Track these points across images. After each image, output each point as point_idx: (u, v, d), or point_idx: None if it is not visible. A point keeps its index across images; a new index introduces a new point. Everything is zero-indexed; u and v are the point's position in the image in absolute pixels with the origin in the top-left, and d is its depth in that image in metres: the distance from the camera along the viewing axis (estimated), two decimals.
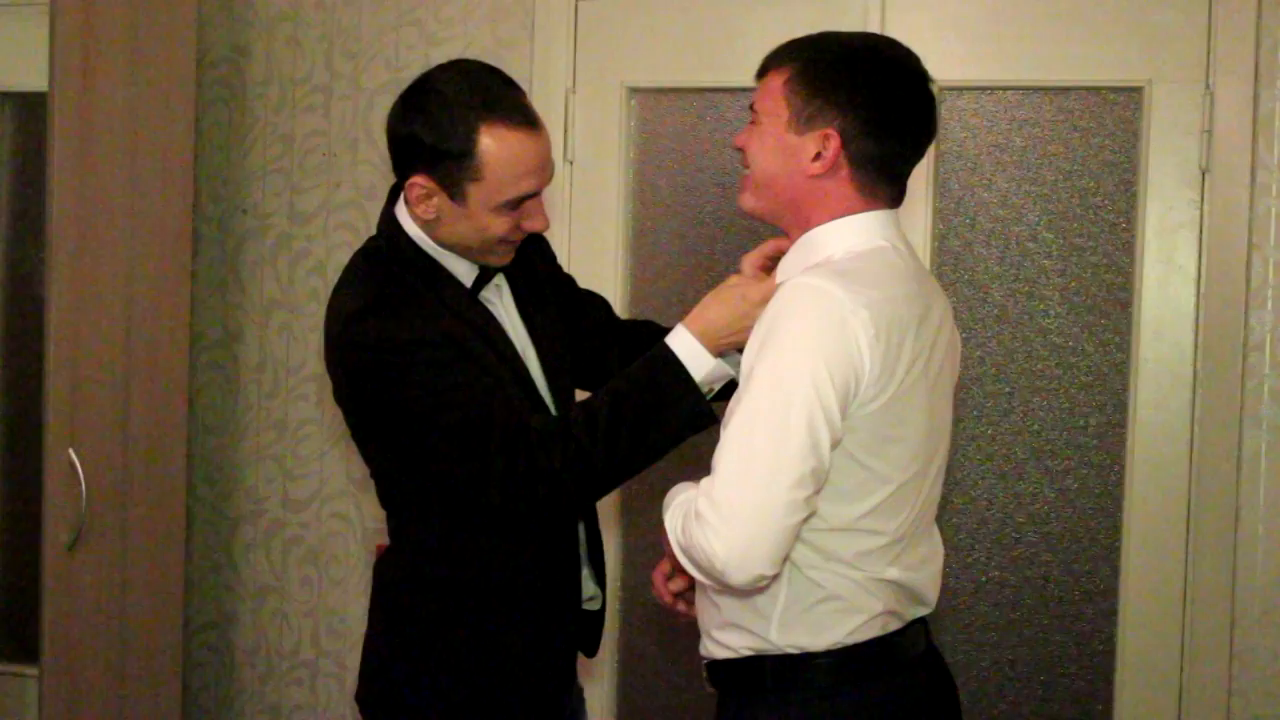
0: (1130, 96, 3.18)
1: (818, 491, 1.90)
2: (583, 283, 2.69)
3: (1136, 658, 3.19)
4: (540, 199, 2.26)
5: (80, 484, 3.02)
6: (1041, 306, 3.24)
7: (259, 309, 3.65)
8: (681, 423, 2.14)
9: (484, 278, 2.33)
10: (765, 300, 2.03)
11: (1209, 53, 3.11)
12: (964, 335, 3.24)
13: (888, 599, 2.01)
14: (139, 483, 3.24)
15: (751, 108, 2.08)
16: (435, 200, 2.22)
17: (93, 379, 3.08)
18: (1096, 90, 3.20)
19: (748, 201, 2.10)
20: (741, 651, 2.04)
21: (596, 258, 3.41)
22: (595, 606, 2.52)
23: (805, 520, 1.91)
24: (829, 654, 1.99)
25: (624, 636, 3.48)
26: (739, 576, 1.86)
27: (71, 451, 3.01)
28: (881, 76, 2.01)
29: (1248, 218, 3.09)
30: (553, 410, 2.35)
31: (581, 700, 2.60)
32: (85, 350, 3.06)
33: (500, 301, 2.38)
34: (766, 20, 3.24)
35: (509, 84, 2.24)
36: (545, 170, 2.24)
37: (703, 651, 2.13)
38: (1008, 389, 3.26)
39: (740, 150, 2.10)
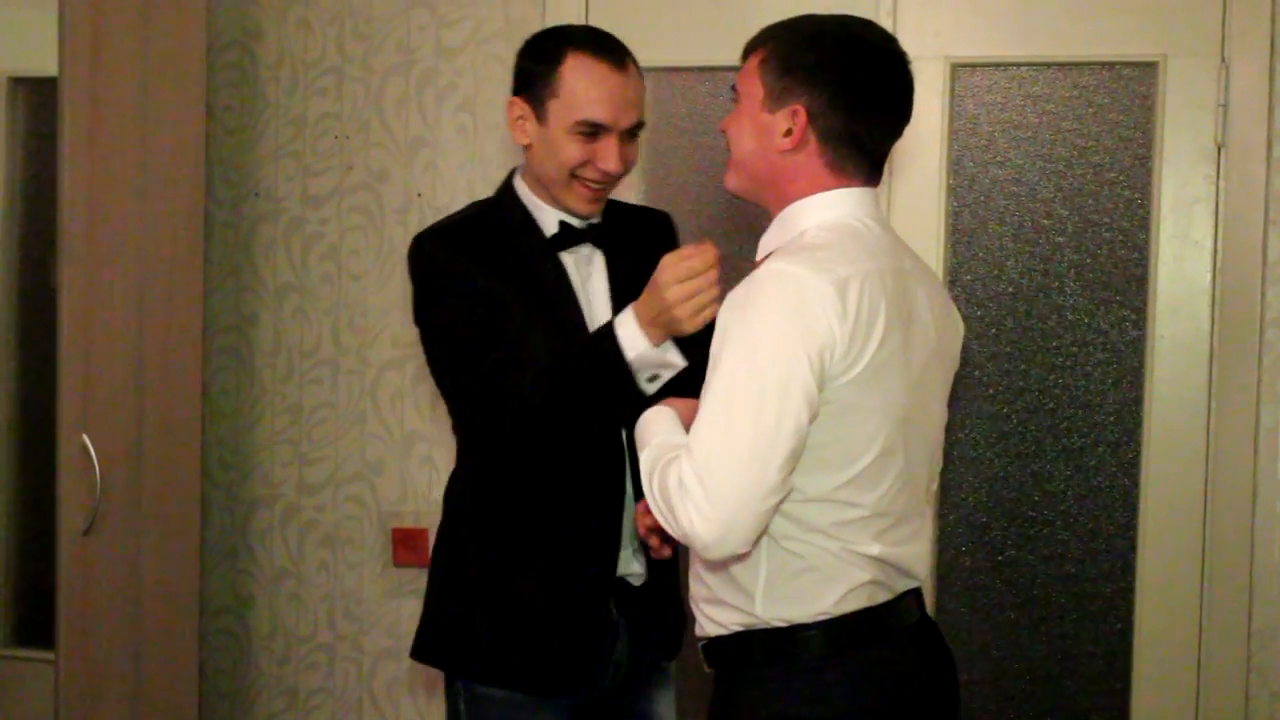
0: (1145, 71, 3.16)
1: (793, 469, 1.94)
2: None
3: (1154, 636, 3.18)
4: (616, 140, 2.37)
5: (94, 469, 3.02)
6: (1057, 284, 3.22)
7: (272, 293, 3.65)
8: (604, 390, 2.24)
9: (569, 238, 2.44)
10: (669, 281, 2.13)
11: (1224, 27, 3.10)
12: (978, 313, 3.23)
13: (873, 570, 2.02)
14: (153, 468, 3.24)
15: (733, 89, 2.14)
16: (527, 125, 2.40)
17: (106, 364, 3.08)
18: (1111, 65, 3.18)
19: (730, 181, 2.17)
20: (731, 627, 2.06)
21: None
22: (638, 583, 2.53)
23: (784, 499, 1.95)
24: (817, 625, 2.00)
25: None
26: (716, 553, 1.92)
27: (85, 437, 3.01)
28: (849, 54, 2.04)
29: (1264, 192, 3.08)
30: None
31: (666, 686, 2.68)
32: (98, 336, 3.06)
33: (589, 269, 2.48)
34: None
35: (618, 44, 2.42)
36: (621, 106, 2.37)
37: (697, 630, 2.15)
38: (1023, 366, 3.25)
39: (724, 133, 2.15)
